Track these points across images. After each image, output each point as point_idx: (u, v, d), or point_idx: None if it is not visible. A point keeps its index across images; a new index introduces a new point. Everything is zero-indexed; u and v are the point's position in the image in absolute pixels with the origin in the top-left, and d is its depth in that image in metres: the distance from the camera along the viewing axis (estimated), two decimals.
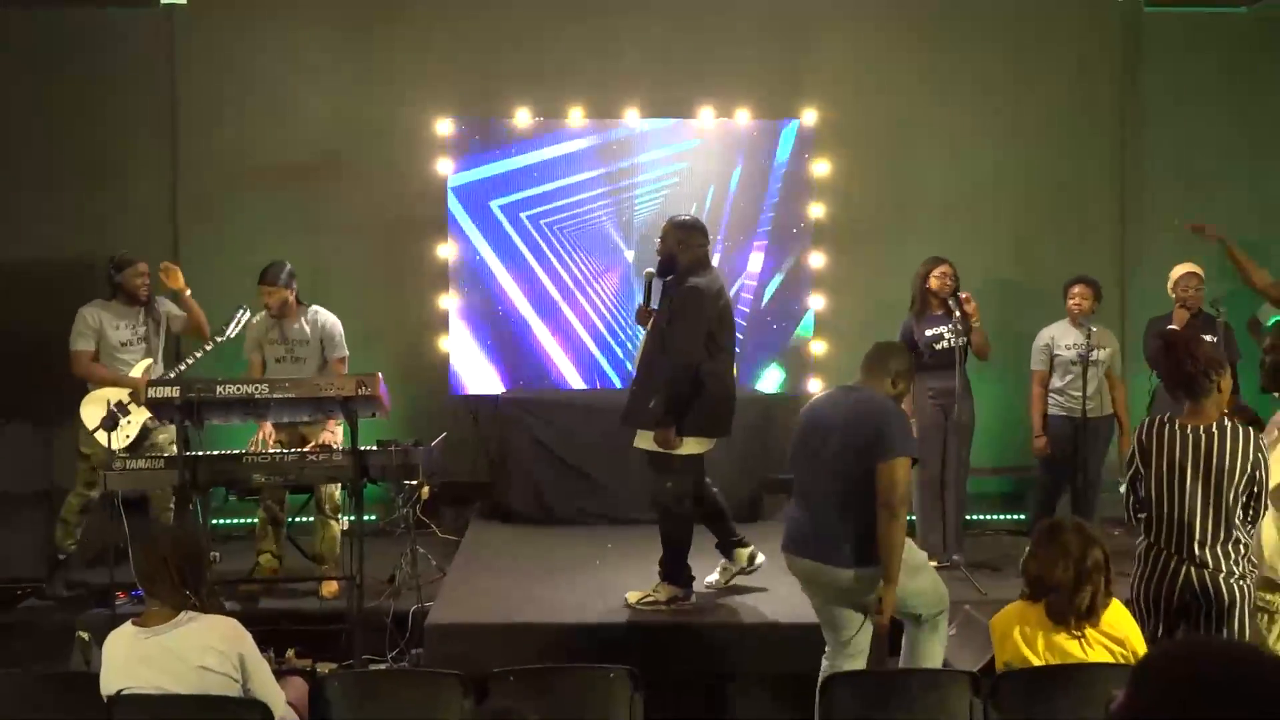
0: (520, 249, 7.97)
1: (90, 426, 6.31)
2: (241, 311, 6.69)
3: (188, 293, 6.75)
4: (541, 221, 7.96)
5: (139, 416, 6.42)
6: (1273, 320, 7.30)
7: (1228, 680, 1.20)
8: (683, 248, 5.81)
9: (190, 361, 6.47)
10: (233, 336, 6.66)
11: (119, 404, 6.30)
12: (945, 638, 4.87)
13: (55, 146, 7.76)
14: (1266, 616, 4.74)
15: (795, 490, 4.88)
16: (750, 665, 5.61)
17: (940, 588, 4.87)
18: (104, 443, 6.18)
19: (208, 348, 6.48)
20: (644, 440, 5.84)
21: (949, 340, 6.57)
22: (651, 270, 5.98)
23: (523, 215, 7.96)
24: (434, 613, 5.82)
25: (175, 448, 6.13)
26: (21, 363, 7.50)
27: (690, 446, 5.78)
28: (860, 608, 4.74)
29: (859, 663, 4.78)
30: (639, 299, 6.17)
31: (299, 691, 4.30)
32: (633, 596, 5.94)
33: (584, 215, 7.96)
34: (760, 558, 6.10)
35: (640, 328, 6.16)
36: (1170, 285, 6.95)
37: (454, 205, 7.89)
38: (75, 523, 6.49)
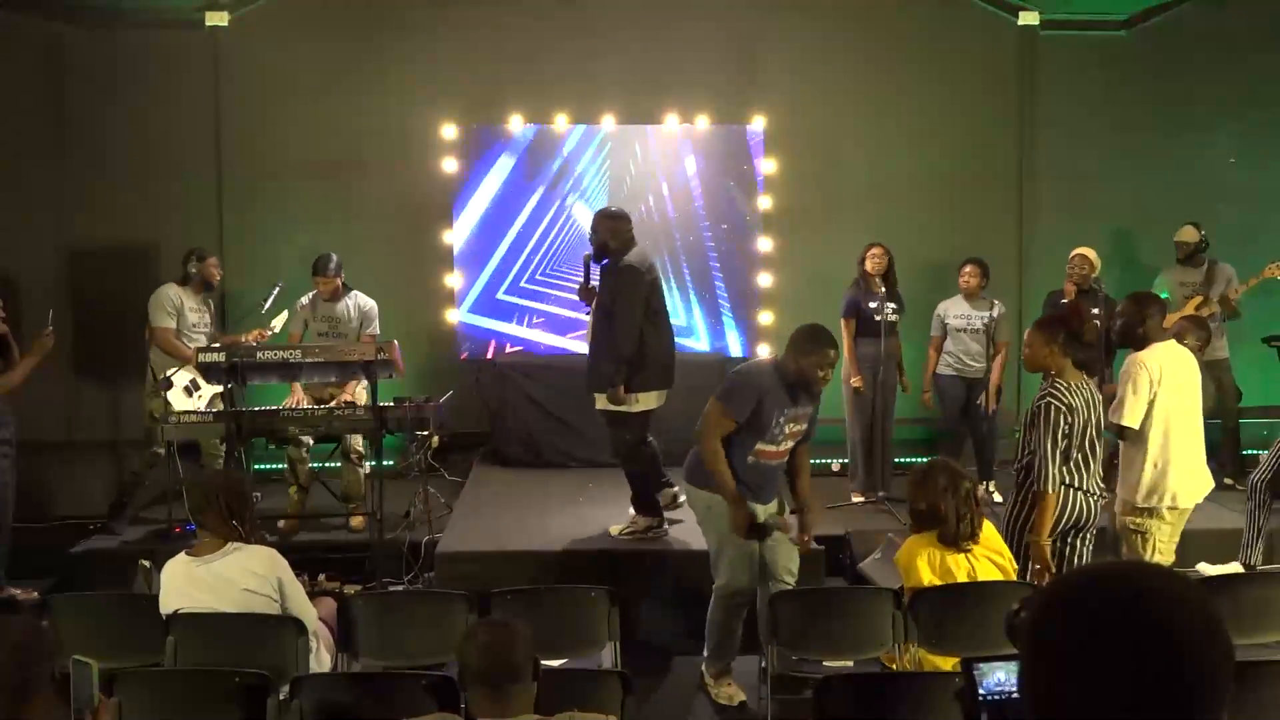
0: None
1: (171, 396, 6.16)
2: (276, 287, 6.66)
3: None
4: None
5: (209, 391, 6.25)
6: (1164, 294, 7.35)
7: (1121, 598, 1.17)
8: (612, 235, 5.68)
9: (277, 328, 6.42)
10: (267, 308, 6.61)
11: (193, 380, 6.24)
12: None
13: (120, 148, 7.63)
14: (1139, 537, 4.81)
15: None
16: (708, 584, 5.62)
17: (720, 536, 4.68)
18: (170, 405, 6.15)
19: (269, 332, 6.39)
20: (601, 401, 5.73)
21: (886, 314, 6.53)
22: (589, 254, 5.84)
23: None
24: (443, 542, 5.83)
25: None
26: (96, 329, 7.48)
27: (642, 402, 5.70)
28: (702, 524, 4.80)
29: (721, 578, 4.69)
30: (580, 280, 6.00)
31: (329, 609, 4.31)
32: (614, 529, 5.92)
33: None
34: (682, 498, 5.79)
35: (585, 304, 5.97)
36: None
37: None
38: (146, 476, 6.42)
